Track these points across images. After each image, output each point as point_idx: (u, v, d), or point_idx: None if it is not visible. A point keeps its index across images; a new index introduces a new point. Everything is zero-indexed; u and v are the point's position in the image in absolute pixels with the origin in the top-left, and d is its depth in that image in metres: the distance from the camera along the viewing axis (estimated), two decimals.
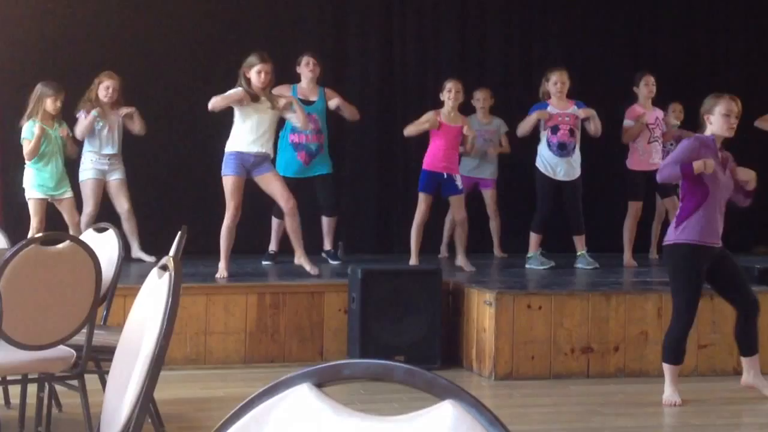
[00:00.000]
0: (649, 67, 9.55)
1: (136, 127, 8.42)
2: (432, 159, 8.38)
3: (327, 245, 8.86)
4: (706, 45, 10.96)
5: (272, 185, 7.65)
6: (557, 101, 8.58)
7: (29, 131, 7.92)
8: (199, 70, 9.46)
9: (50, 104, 7.78)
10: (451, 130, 8.35)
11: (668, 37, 10.77)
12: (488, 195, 9.51)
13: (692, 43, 10.89)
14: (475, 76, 10.15)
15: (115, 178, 8.43)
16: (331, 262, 8.72)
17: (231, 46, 9.43)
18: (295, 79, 8.67)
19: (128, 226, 8.43)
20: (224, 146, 8.21)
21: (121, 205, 8.42)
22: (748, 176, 6.14)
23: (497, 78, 10.33)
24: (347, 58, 10.13)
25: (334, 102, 8.62)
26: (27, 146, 7.94)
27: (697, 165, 5.90)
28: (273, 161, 7.83)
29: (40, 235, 4.35)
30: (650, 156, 8.94)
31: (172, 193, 9.08)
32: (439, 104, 8.56)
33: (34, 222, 7.93)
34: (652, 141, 8.96)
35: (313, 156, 8.61)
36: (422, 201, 8.42)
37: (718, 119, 6.02)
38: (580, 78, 9.17)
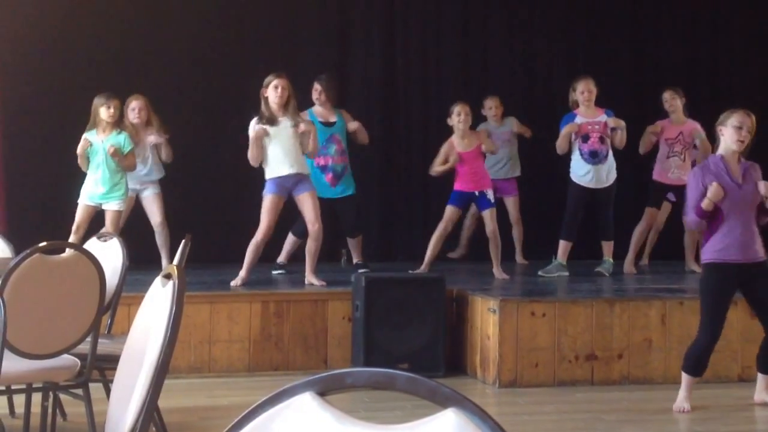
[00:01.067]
0: (651, 72, 9.49)
1: (163, 155, 8.43)
2: (462, 181, 8.43)
3: (356, 258, 8.86)
4: (708, 48, 10.94)
5: (305, 205, 7.69)
6: (585, 110, 8.55)
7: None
8: (199, 75, 9.46)
9: (104, 113, 7.76)
10: (471, 153, 8.40)
11: (671, 40, 10.76)
12: (510, 202, 9.54)
13: (695, 46, 10.87)
14: (478, 83, 10.16)
15: (147, 193, 8.42)
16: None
17: (232, 56, 9.48)
18: (308, 102, 8.65)
19: (158, 239, 8.40)
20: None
21: (154, 218, 8.39)
22: (765, 191, 5.95)
23: (500, 83, 10.31)
24: (349, 67, 10.13)
25: (353, 124, 8.69)
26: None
27: (705, 204, 5.89)
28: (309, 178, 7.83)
29: (43, 244, 4.34)
30: (669, 170, 8.96)
31: (176, 202, 9.07)
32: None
33: (74, 225, 7.89)
34: (671, 156, 8.95)
35: (339, 177, 8.63)
36: (448, 213, 8.44)
37: (730, 131, 6.00)
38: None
